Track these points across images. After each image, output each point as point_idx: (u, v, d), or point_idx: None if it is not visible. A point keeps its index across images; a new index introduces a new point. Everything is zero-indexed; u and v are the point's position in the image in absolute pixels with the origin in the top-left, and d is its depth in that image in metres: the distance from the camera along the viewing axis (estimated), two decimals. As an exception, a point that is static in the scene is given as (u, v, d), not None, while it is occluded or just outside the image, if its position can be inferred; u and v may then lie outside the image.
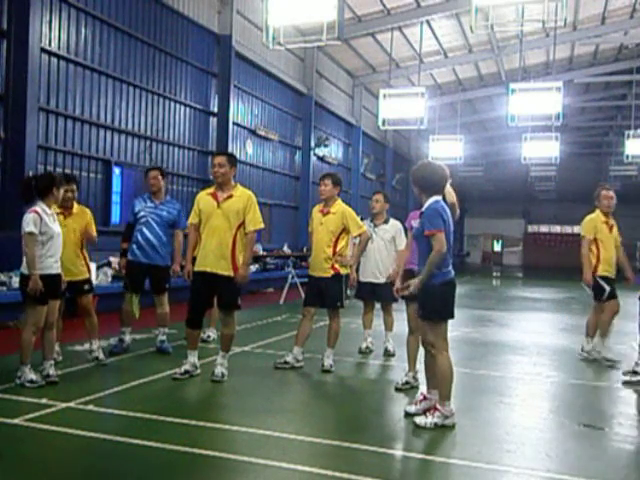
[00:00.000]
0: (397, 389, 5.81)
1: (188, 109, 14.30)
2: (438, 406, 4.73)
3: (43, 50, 10.14)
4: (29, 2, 9.60)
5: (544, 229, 43.95)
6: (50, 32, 10.39)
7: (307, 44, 13.46)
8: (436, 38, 20.55)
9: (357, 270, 7.25)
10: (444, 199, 4.94)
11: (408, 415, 4.93)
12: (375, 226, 7.37)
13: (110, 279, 10.08)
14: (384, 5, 17.93)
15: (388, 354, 7.44)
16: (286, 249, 18.08)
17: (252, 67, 16.77)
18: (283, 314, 11.06)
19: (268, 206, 17.74)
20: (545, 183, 34.69)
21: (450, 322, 4.87)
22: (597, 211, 7.44)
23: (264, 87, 17.63)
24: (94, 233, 6.42)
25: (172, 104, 13.73)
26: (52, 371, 5.53)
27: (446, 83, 25.67)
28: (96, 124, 11.52)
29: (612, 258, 7.29)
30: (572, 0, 17.31)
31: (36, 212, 5.29)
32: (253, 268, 13.94)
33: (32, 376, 5.34)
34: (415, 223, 5.30)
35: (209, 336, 7.81)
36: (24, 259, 5.31)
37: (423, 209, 4.86)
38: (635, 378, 6.38)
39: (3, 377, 5.51)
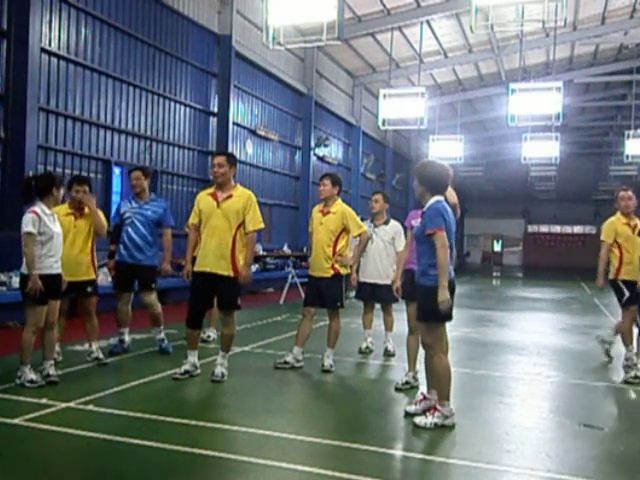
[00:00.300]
0: (397, 389, 5.81)
1: (188, 109, 14.30)
2: (438, 406, 4.72)
3: (43, 50, 10.14)
4: (29, 2, 9.60)
5: (544, 229, 43.96)
6: (50, 32, 10.39)
7: (307, 44, 13.46)
8: (436, 38, 20.55)
9: (357, 270, 7.25)
10: (446, 200, 4.93)
11: (408, 415, 4.93)
12: (375, 227, 7.37)
13: (109, 279, 10.07)
14: (384, 5, 17.93)
15: (388, 354, 7.45)
16: (286, 249, 18.08)
17: (252, 67, 16.77)
18: (283, 314, 11.06)
19: (268, 206, 17.74)
20: (545, 183, 34.67)
21: (450, 322, 4.86)
22: (618, 213, 7.12)
23: (264, 87, 17.63)
24: (104, 223, 6.35)
25: (172, 104, 13.73)
26: (52, 371, 5.53)
27: (446, 83, 25.67)
28: (96, 124, 11.52)
29: (637, 261, 6.85)
30: (572, 0, 17.31)
31: (35, 212, 5.30)
32: (253, 268, 13.94)
33: (32, 376, 5.34)
34: (415, 223, 5.30)
35: (209, 336, 7.81)
36: (24, 259, 5.31)
37: (425, 209, 4.83)
38: (632, 372, 6.37)
39: (3, 377, 5.51)
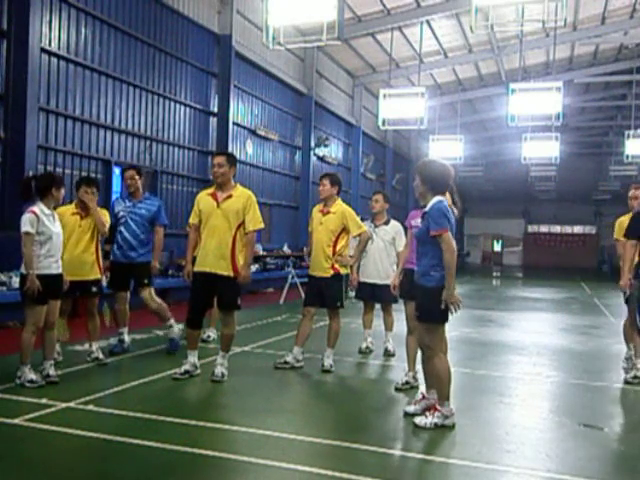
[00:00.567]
0: (397, 389, 5.81)
1: (188, 109, 14.30)
2: (438, 406, 4.72)
3: (43, 50, 10.14)
4: (29, 2, 9.60)
5: (544, 229, 43.96)
6: (50, 32, 10.38)
7: (307, 44, 13.45)
8: (436, 38, 20.54)
9: (357, 270, 7.25)
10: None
11: (408, 415, 4.93)
12: (375, 227, 7.37)
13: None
14: (384, 5, 17.92)
15: (388, 354, 7.45)
16: (286, 249, 18.08)
17: (252, 67, 16.76)
18: (283, 314, 11.06)
19: (268, 206, 17.74)
20: (545, 183, 34.66)
21: (450, 322, 4.85)
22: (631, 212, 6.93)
23: (264, 87, 17.63)
24: (104, 221, 6.35)
25: (172, 104, 13.72)
26: (52, 371, 5.53)
27: (446, 83, 25.66)
28: (96, 124, 11.52)
29: None
30: (572, 0, 17.30)
31: (33, 212, 5.30)
32: (253, 268, 13.94)
33: (32, 376, 5.35)
34: (415, 222, 5.28)
35: (209, 336, 7.81)
36: (23, 259, 5.32)
37: (427, 209, 4.75)
38: (632, 372, 6.38)
39: (3, 377, 5.51)
